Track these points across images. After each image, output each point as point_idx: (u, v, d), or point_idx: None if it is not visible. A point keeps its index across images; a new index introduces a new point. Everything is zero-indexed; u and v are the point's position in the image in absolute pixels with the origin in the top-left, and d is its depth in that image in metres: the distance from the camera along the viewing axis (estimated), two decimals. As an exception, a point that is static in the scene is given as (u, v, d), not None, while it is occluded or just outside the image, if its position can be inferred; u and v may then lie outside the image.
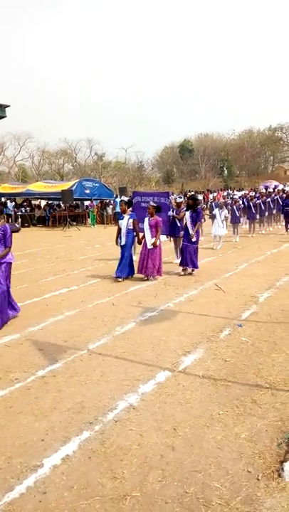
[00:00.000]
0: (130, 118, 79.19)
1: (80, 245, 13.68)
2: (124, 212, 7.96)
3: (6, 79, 73.85)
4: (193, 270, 8.13)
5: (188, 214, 8.12)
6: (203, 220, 14.30)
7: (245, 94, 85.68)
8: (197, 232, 8.13)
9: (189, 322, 5.28)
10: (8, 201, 22.73)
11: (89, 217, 22.80)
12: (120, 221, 7.96)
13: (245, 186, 41.89)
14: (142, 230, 8.12)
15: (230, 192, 28.21)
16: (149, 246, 7.67)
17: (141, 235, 8.01)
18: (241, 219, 14.39)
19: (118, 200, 18.29)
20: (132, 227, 7.86)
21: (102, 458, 2.65)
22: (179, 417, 3.09)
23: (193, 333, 4.84)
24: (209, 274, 8.23)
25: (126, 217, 7.86)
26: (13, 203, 23.44)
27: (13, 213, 22.18)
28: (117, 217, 13.47)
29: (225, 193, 27.75)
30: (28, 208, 24.07)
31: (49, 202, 25.02)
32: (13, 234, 20.56)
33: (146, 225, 7.80)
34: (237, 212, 13.44)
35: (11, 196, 24.24)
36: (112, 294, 6.88)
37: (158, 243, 7.75)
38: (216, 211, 11.93)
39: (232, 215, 13.42)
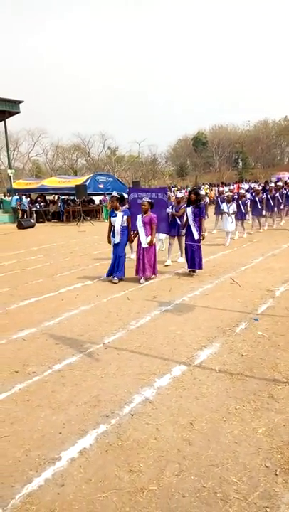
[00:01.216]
0: (143, 111, 78.84)
1: (94, 240, 13.72)
2: (115, 208, 7.42)
3: (19, 74, 74.36)
4: (194, 271, 7.61)
5: (190, 210, 7.53)
6: (206, 216, 13.55)
7: (261, 84, 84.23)
8: (200, 229, 7.51)
9: (205, 316, 5.25)
10: (24, 197, 22.93)
11: (102, 212, 22.84)
12: (113, 218, 7.40)
13: (260, 178, 41.28)
14: (136, 228, 7.65)
15: (252, 184, 25.62)
16: (144, 245, 7.15)
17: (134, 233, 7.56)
18: (247, 215, 13.26)
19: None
20: (126, 225, 7.41)
21: (119, 451, 2.66)
22: (195, 411, 3.08)
23: (209, 328, 4.82)
24: (224, 267, 8.16)
25: (119, 214, 7.35)
26: (28, 199, 23.64)
27: (28, 209, 22.39)
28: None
29: (246, 186, 25.31)
30: (42, 204, 24.29)
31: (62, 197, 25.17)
32: (28, 229, 20.66)
33: (139, 223, 7.23)
34: (243, 208, 12.44)
35: (26, 192, 24.47)
36: (126, 288, 6.89)
37: (154, 241, 7.32)
38: (223, 206, 11.44)
39: (237, 210, 12.42)
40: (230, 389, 3.38)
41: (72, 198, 24.05)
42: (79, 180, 22.43)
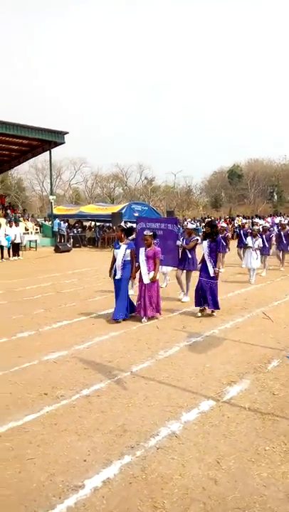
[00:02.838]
0: (180, 144, 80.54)
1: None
2: (120, 240, 6.79)
3: (65, 107, 78.60)
4: (213, 311, 6.94)
5: (205, 244, 6.90)
6: (227, 249, 12.83)
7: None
8: (215, 265, 6.87)
9: (235, 350, 5.14)
10: (62, 222, 23.74)
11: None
12: (116, 250, 6.73)
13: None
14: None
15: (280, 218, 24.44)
16: (146, 281, 6.54)
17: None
18: (271, 250, 12.40)
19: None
20: (129, 259, 6.72)
21: (143, 485, 2.62)
22: (222, 449, 2.99)
23: (240, 363, 4.70)
24: (257, 301, 8.00)
25: (123, 246, 6.66)
26: (66, 224, 24.45)
27: (65, 234, 23.12)
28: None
29: (277, 219, 23.78)
30: (79, 229, 25.02)
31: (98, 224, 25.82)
32: (64, 253, 21.28)
33: (142, 257, 6.63)
34: (267, 243, 11.71)
35: (65, 217, 25.34)
36: (156, 317, 6.88)
37: (157, 277, 6.67)
38: (248, 240, 10.53)
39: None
40: (260, 429, 3.27)
41: (107, 224, 24.63)
42: (115, 208, 23.04)
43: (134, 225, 8.48)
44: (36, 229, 23.68)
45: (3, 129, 20.66)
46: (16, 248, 17.54)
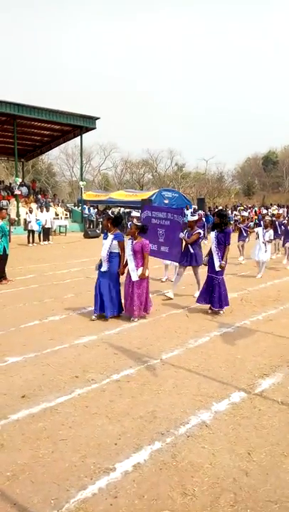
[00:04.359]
0: (213, 129, 78.77)
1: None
2: (108, 230, 6.19)
3: (97, 90, 78.36)
4: (219, 310, 6.32)
5: (213, 235, 6.33)
6: (247, 239, 12.34)
7: None
8: (222, 258, 6.26)
9: (268, 343, 5.05)
10: (91, 208, 23.93)
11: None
12: (104, 241, 6.12)
13: None
14: (155, 254, 7.08)
15: None
16: (134, 278, 5.82)
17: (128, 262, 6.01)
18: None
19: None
20: (117, 251, 6.03)
21: (173, 471, 2.63)
22: (254, 441, 2.96)
23: (272, 355, 4.61)
24: (290, 293, 7.80)
25: (110, 237, 5.99)
26: (96, 210, 24.62)
27: (95, 220, 23.30)
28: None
29: None
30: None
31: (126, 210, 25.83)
32: (93, 239, 21.38)
33: (128, 251, 5.92)
34: (279, 229, 11.30)
35: (94, 203, 25.52)
36: (186, 305, 6.85)
37: (147, 274, 5.96)
38: (258, 230, 9.73)
39: (285, 236, 11.44)
40: (292, 423, 3.20)
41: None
42: (145, 195, 22.96)
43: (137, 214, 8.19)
44: (66, 214, 23.98)
45: (35, 114, 20.86)
46: (46, 233, 17.84)
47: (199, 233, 7.27)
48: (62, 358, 4.50)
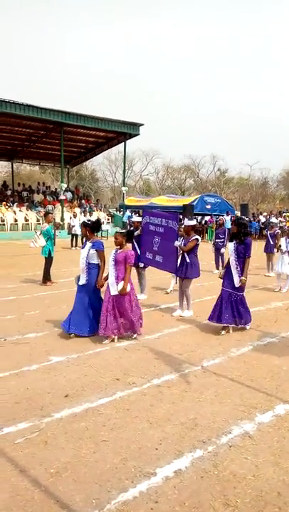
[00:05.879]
0: (257, 134, 77.24)
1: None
2: (87, 238, 5.61)
3: (137, 98, 79.35)
4: (246, 324, 5.77)
5: (232, 247, 5.63)
6: (274, 249, 10.43)
7: None
8: (242, 273, 5.58)
9: (314, 354, 4.84)
10: (133, 213, 24.18)
11: (207, 232, 22.84)
12: (81, 250, 5.61)
13: None
14: (142, 260, 6.91)
15: None
16: (113, 292, 5.15)
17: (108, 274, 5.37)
18: None
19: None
20: (95, 262, 5.42)
21: (215, 480, 2.58)
22: (299, 456, 2.84)
23: None
24: None
25: (88, 245, 5.46)
26: (137, 215, 24.84)
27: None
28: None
29: None
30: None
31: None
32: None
33: (110, 262, 5.30)
34: None
35: (136, 209, 25.78)
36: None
37: (128, 289, 5.20)
38: (282, 241, 8.96)
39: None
40: None
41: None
42: (187, 200, 22.91)
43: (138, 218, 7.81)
44: (108, 219, 24.41)
45: (82, 121, 21.51)
46: (88, 237, 18.22)
47: (196, 240, 6.46)
48: (103, 360, 4.57)
